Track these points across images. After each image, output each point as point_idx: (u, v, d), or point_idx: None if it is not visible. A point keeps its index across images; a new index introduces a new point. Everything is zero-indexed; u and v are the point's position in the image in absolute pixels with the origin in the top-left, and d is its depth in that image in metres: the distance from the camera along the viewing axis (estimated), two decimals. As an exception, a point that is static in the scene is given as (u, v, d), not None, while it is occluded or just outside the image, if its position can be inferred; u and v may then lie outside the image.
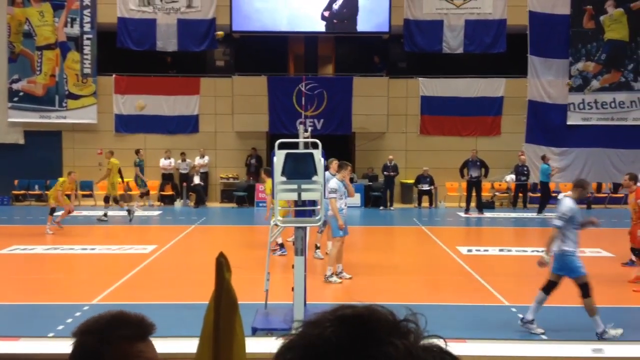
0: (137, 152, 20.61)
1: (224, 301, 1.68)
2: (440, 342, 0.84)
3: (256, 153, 23.46)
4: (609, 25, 23.26)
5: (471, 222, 19.90)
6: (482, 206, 21.10)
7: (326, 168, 10.54)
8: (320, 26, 23.81)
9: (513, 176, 22.89)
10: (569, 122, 23.41)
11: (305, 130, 8.67)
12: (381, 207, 22.06)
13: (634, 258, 11.69)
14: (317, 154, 7.08)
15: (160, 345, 2.08)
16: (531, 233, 18.17)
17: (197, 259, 12.84)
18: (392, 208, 22.17)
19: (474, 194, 21.01)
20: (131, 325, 1.61)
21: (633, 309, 9.58)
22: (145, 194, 21.25)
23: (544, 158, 21.59)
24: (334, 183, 10.86)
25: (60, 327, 7.93)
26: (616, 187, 23.06)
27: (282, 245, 12.98)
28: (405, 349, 0.79)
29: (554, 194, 22.84)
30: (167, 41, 23.54)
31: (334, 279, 10.79)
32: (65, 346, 3.07)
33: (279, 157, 6.98)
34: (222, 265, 1.69)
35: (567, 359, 2.95)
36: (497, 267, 12.51)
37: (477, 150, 22.08)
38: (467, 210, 20.99)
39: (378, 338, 0.80)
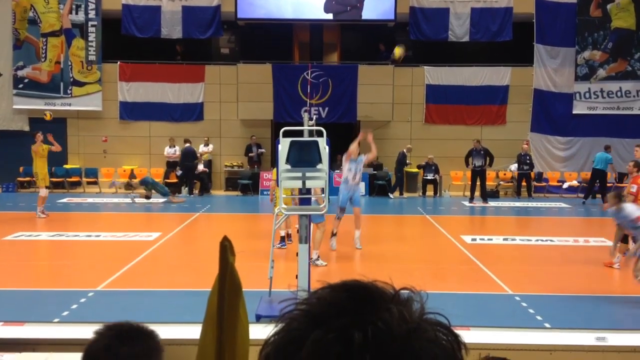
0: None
1: (228, 284, 1.69)
2: (442, 319, 0.85)
3: (256, 142, 23.39)
4: (616, 14, 23.12)
5: (475, 211, 19.89)
6: (487, 195, 21.08)
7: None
8: (325, 14, 23.72)
9: (517, 165, 22.86)
10: (574, 111, 23.33)
11: (310, 119, 8.66)
12: (396, 195, 22.20)
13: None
14: (322, 142, 7.07)
15: (165, 331, 2.08)
16: (535, 222, 18.16)
17: (201, 247, 12.87)
18: (400, 196, 22.23)
19: (478, 183, 20.98)
20: (142, 345, 1.66)
21: (637, 298, 9.56)
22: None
23: (607, 148, 21.27)
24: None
25: (65, 313, 7.97)
26: (621, 176, 22.98)
27: (283, 239, 12.64)
28: (400, 315, 0.81)
29: (558, 183, 22.88)
30: (171, 28, 23.51)
31: (320, 262, 11.07)
32: (71, 331, 3.09)
33: (284, 144, 6.97)
34: (226, 249, 1.69)
35: (570, 346, 2.95)
36: (501, 256, 12.51)
37: (482, 139, 22.01)
38: (471, 200, 21.01)
39: (376, 304, 0.82)
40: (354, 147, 12.48)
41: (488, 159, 20.98)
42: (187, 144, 22.21)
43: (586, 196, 21.04)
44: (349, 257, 11.97)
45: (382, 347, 0.77)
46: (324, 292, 0.85)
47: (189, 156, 22.09)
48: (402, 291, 0.86)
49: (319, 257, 11.15)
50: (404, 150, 22.24)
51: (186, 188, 22.54)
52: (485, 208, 20.19)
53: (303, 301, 0.85)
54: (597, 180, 20.80)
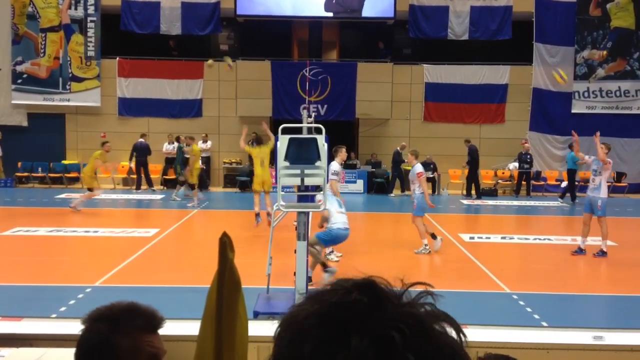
0: (178, 139, 20.86)
1: (227, 280, 1.69)
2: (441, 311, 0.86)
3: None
4: (616, 13, 23.12)
5: (473, 209, 19.91)
6: (470, 192, 21.81)
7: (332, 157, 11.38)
8: (324, 11, 23.70)
9: (516, 164, 22.87)
10: (573, 110, 23.32)
11: (309, 116, 8.66)
12: (397, 193, 22.37)
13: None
14: (321, 139, 7.06)
15: (164, 327, 2.08)
16: (533, 221, 18.16)
17: (199, 243, 12.87)
18: (403, 193, 22.31)
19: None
20: (144, 316, 1.67)
21: (634, 297, 9.59)
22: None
23: (571, 146, 21.36)
24: (335, 166, 11.55)
25: (63, 309, 7.97)
26: (619, 176, 23.00)
27: (258, 215, 13.89)
28: (428, 312, 0.83)
29: (556, 182, 22.89)
30: (170, 24, 23.47)
31: (332, 256, 11.19)
32: (68, 327, 3.09)
33: (283, 142, 6.96)
34: (225, 245, 1.69)
35: (568, 345, 2.96)
36: (499, 255, 12.53)
37: (481, 137, 22.15)
38: (467, 196, 21.44)
39: (393, 302, 0.83)
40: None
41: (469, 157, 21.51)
42: (141, 139, 22.09)
43: (562, 195, 21.05)
44: (348, 254, 11.97)
45: (420, 342, 0.78)
46: (333, 293, 0.84)
47: (142, 151, 21.97)
48: (409, 287, 0.87)
49: (332, 250, 11.26)
50: (398, 149, 22.23)
51: (182, 185, 22.52)
52: (484, 206, 20.21)
53: (314, 301, 0.83)
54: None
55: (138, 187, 22.13)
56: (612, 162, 12.41)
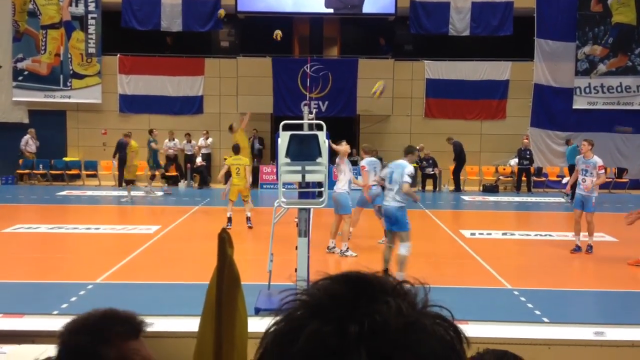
0: (151, 132, 20.78)
1: (226, 276, 1.69)
2: (443, 312, 0.84)
3: (258, 134, 23.42)
4: (617, 9, 23.05)
5: (475, 205, 19.91)
6: (458, 187, 22.50)
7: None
8: (325, 7, 23.66)
9: (517, 160, 22.89)
10: (574, 106, 23.27)
11: (310, 112, 8.65)
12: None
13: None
14: (322, 135, 7.06)
15: (164, 323, 2.09)
16: (534, 217, 18.17)
17: (200, 240, 12.87)
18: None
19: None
20: (122, 322, 1.56)
21: (635, 293, 9.59)
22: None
23: (568, 141, 21.35)
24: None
25: (65, 306, 7.99)
26: (620, 172, 22.98)
27: (230, 219, 14.01)
28: (398, 308, 0.79)
29: (558, 178, 22.87)
30: (171, 21, 23.44)
31: (350, 252, 11.41)
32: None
33: (284, 138, 6.96)
34: (224, 241, 1.69)
35: (569, 341, 2.96)
36: (500, 251, 12.53)
37: (482, 133, 22.19)
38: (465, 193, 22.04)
39: (373, 296, 0.81)
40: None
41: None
42: (124, 137, 21.73)
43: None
44: (366, 250, 11.97)
45: (377, 340, 0.76)
46: (324, 283, 0.84)
47: (124, 149, 21.68)
48: (404, 284, 0.85)
49: (348, 248, 11.42)
50: (417, 148, 22.35)
51: (186, 181, 22.56)
52: (484, 203, 20.22)
53: (303, 292, 0.84)
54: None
55: (120, 184, 21.98)
56: (605, 169, 12.40)
